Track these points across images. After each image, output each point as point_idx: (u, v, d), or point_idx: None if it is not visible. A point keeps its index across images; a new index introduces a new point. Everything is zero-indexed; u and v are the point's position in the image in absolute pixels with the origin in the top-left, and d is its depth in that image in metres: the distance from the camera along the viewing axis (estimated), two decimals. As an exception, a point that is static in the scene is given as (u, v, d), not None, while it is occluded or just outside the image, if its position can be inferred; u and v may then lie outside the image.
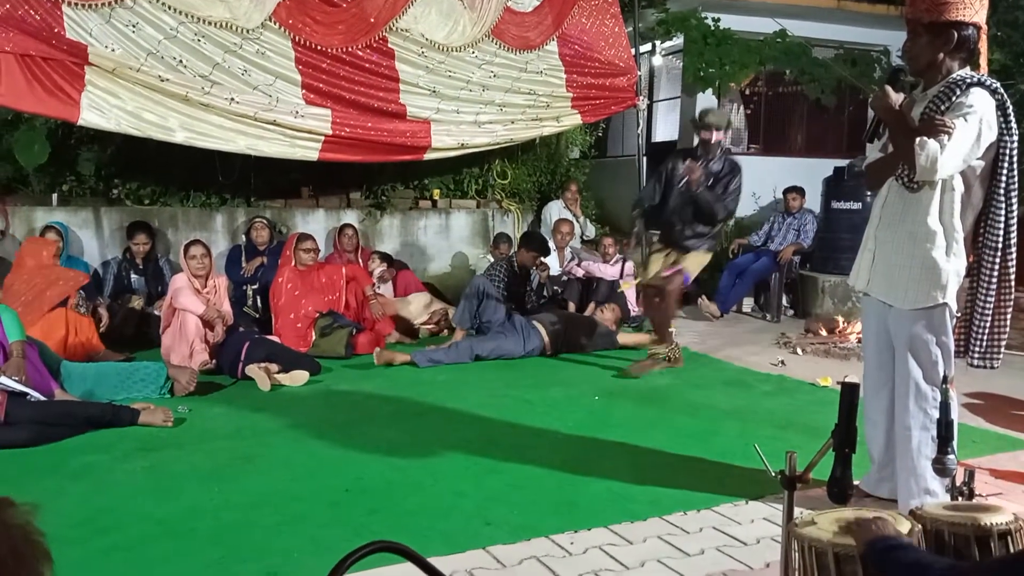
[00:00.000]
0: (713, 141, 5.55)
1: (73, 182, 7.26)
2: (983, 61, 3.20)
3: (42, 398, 4.22)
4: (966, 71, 3.02)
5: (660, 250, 5.80)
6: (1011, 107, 3.02)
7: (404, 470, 3.70)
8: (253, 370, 5.18)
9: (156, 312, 6.18)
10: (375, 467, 3.73)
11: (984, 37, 3.06)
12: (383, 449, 3.98)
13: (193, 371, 5.06)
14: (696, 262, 5.71)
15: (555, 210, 8.71)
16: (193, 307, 5.60)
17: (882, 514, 1.87)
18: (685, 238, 5.63)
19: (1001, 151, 3.00)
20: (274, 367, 5.26)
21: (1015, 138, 3.00)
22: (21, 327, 4.45)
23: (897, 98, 3.01)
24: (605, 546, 2.94)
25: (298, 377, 5.28)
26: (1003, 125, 2.97)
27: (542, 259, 7.07)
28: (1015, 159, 3.02)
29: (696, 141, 5.67)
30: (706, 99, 10.45)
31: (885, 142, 3.18)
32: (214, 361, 5.52)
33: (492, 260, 7.50)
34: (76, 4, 5.72)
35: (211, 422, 4.44)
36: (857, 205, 7.81)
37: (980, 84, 2.95)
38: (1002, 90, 3.00)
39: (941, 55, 2.99)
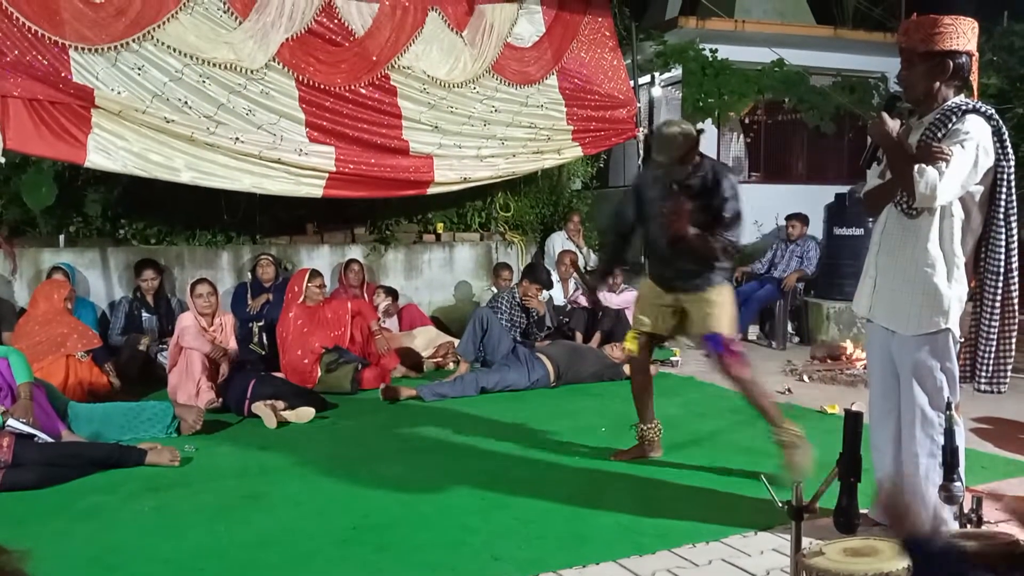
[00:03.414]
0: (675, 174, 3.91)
1: (80, 223, 7.31)
2: (975, 87, 3.23)
3: (49, 440, 4.22)
4: (961, 98, 3.05)
5: (651, 295, 4.14)
6: (1007, 132, 3.05)
7: (412, 506, 3.69)
8: (259, 408, 5.18)
9: (161, 359, 6.20)
10: (383, 503, 3.73)
11: (976, 64, 3.10)
12: (390, 485, 3.96)
13: (199, 410, 5.06)
14: (722, 307, 3.93)
15: (558, 241, 8.74)
16: (199, 346, 5.62)
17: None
18: (687, 274, 3.95)
19: (999, 176, 3.02)
20: (280, 404, 5.25)
21: (1012, 163, 3.03)
22: (29, 369, 4.47)
23: (894, 125, 3.03)
24: (614, 580, 2.92)
25: (304, 414, 5.27)
26: (999, 150, 3.00)
27: (539, 294, 7.02)
28: (1013, 183, 3.04)
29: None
30: (706, 129, 10.51)
31: (883, 168, 3.20)
32: (220, 399, 5.53)
33: (495, 291, 7.51)
34: (83, 48, 5.84)
35: (218, 460, 4.44)
36: (859, 231, 7.83)
37: (976, 111, 2.98)
38: (997, 116, 3.03)
39: (937, 83, 3.02)
